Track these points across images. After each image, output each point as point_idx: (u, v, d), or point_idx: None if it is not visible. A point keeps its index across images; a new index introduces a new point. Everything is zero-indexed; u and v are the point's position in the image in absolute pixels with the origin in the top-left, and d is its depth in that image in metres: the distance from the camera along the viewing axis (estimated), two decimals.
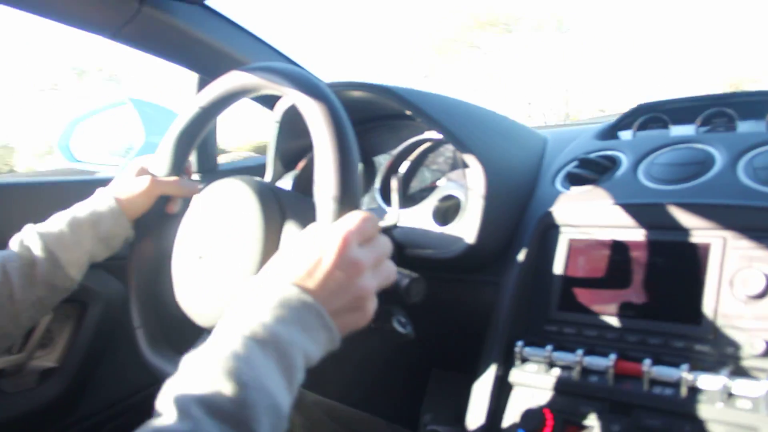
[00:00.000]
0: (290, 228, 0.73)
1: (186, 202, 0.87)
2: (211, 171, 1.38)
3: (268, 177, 1.15)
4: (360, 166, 1.17)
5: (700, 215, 0.73)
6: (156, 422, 0.45)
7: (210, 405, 0.45)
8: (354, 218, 0.57)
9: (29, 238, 0.79)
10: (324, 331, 0.54)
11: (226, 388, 0.46)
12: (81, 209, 0.83)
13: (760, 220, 0.69)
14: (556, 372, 0.74)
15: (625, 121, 1.03)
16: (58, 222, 0.81)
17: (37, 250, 0.77)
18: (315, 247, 0.56)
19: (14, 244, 0.79)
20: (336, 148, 0.61)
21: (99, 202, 0.84)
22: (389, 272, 0.60)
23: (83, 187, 1.21)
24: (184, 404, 0.45)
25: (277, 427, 0.48)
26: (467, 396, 0.80)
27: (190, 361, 0.50)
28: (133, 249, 0.88)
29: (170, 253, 0.84)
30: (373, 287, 0.57)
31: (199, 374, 0.47)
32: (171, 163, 0.87)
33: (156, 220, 0.89)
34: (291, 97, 0.66)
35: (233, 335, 0.50)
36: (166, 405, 0.46)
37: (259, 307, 0.52)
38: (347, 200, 0.60)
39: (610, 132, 1.02)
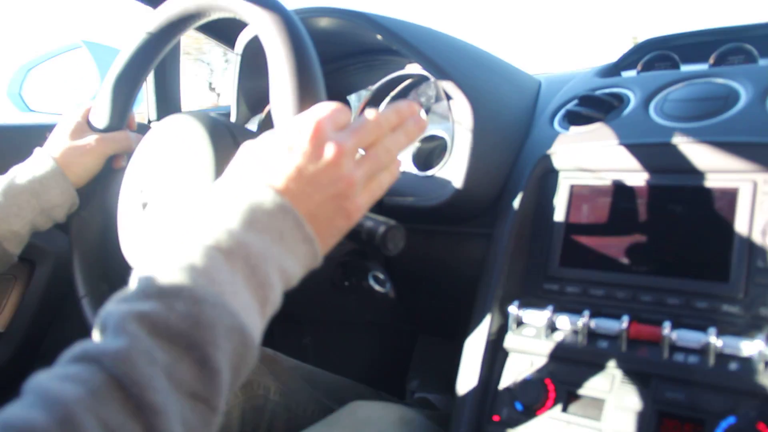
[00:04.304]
0: None
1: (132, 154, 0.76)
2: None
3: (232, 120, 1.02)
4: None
5: (726, 155, 0.62)
6: (86, 341, 0.36)
7: (153, 321, 0.35)
8: (324, 107, 0.48)
9: None
10: (304, 243, 0.44)
11: (176, 302, 0.36)
12: (18, 175, 0.72)
13: None
14: (559, 336, 0.64)
15: (629, 60, 0.92)
16: None
17: None
18: (281, 141, 0.46)
19: None
20: (293, 58, 0.51)
21: (39, 166, 0.72)
22: (378, 157, 0.49)
23: (25, 133, 1.11)
24: (119, 318, 0.35)
25: (243, 356, 0.38)
26: (456, 363, 0.70)
27: (135, 274, 0.40)
28: (74, 212, 0.78)
29: (116, 211, 0.73)
30: (356, 177, 0.47)
31: (143, 288, 0.37)
32: (112, 110, 0.75)
33: (99, 178, 0.78)
34: (245, 17, 0.57)
35: (191, 244, 0.40)
36: (99, 321, 0.37)
37: (224, 212, 0.42)
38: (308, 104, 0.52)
39: (612, 71, 0.91)
